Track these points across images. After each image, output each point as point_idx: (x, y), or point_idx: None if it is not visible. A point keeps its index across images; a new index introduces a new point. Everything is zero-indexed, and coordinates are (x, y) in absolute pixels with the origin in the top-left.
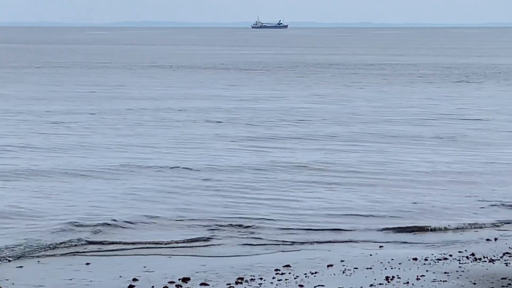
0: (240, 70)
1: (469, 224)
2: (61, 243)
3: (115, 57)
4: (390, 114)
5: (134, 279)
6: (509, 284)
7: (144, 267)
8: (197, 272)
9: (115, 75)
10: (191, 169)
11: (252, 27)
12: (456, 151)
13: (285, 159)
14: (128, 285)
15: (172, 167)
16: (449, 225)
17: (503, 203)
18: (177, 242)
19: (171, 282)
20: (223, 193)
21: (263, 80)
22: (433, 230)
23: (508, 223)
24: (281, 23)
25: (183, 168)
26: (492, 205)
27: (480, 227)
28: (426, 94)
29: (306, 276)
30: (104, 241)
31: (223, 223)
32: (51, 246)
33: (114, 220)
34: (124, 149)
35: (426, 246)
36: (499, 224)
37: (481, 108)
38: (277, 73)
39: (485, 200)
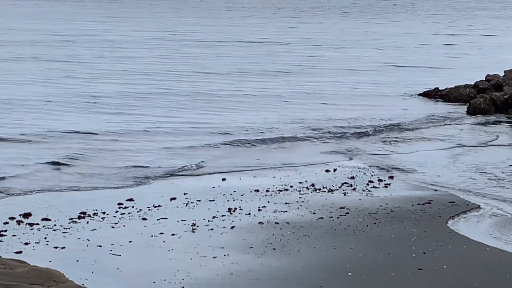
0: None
1: (310, 155)
2: None
3: None
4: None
5: None
6: (347, 213)
7: None
8: (39, 207)
9: None
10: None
11: None
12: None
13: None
14: None
15: None
16: (291, 159)
17: (336, 135)
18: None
19: (12, 218)
20: None
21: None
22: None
23: (345, 153)
24: None
25: None
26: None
27: (320, 160)
28: (259, 27)
29: (149, 209)
30: None
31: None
32: None
33: None
34: None
35: (268, 178)
36: (338, 155)
37: (312, 41)
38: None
39: (325, 131)
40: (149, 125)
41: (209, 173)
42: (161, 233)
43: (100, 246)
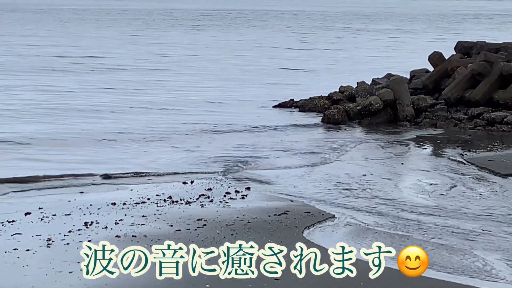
0: None
1: (167, 168)
2: None
3: None
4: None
5: None
6: (205, 225)
7: None
8: None
9: None
10: None
11: None
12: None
13: None
14: None
15: None
16: (148, 171)
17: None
18: None
19: None
20: None
21: None
22: (135, 175)
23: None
24: None
25: None
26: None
27: (177, 172)
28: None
29: (2, 225)
30: None
31: None
32: None
33: None
34: None
35: (125, 191)
36: (195, 169)
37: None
38: None
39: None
40: None
41: (65, 186)
42: (15, 249)
43: None
